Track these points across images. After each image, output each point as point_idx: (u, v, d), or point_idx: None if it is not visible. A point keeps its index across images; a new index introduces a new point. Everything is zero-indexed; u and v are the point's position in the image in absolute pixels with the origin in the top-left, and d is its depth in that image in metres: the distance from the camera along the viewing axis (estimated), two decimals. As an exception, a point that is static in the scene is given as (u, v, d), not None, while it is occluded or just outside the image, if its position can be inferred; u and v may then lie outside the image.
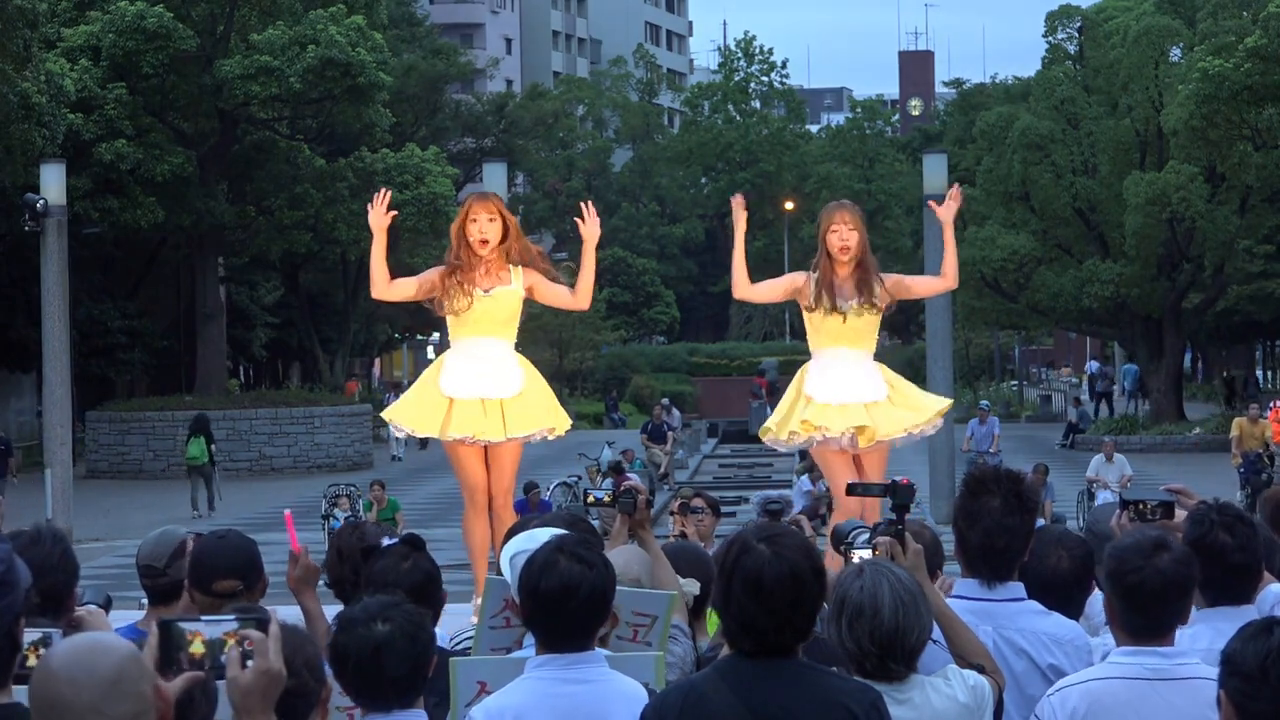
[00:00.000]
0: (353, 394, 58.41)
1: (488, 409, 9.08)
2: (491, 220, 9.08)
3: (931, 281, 10.30)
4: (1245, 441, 31.58)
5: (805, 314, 9.46)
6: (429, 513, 29.87)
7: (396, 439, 44.77)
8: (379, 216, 9.24)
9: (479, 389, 9.10)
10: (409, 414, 9.32)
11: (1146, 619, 4.86)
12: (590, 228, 9.21)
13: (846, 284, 9.32)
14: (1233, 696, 3.99)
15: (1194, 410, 54.31)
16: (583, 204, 9.37)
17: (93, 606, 5.35)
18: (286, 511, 6.11)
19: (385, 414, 9.70)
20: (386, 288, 9.29)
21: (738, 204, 9.61)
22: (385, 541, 5.75)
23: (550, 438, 9.32)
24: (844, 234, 9.25)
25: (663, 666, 5.12)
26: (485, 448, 9.20)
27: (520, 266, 9.21)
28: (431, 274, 9.28)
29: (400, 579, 5.48)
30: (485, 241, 9.09)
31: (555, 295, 9.43)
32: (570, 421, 9.49)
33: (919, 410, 9.45)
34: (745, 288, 9.57)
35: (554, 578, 4.81)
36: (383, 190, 9.43)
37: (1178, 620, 4.93)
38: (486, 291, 9.11)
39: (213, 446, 35.42)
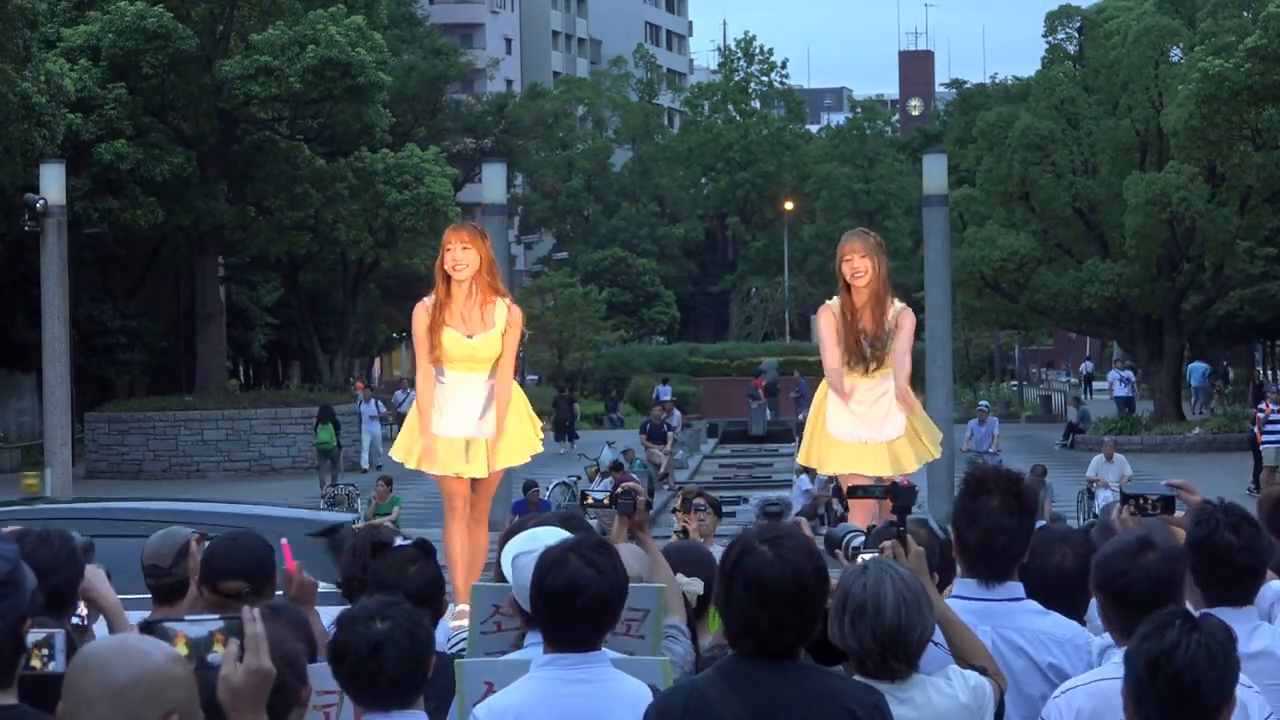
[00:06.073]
0: (366, 394, 58.36)
1: (471, 447, 9.12)
2: (465, 249, 9.05)
3: (902, 377, 9.65)
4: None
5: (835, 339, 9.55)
6: (425, 511, 29.81)
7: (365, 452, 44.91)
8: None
9: (463, 428, 9.14)
10: (402, 445, 9.40)
11: (1141, 619, 4.85)
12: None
13: (867, 322, 9.40)
14: (1128, 693, 4.02)
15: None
16: None
17: (93, 566, 5.40)
18: (284, 540, 6.16)
19: (393, 453, 9.68)
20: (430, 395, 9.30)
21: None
22: (398, 542, 5.79)
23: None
24: (855, 262, 9.37)
25: (670, 671, 5.11)
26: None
27: (507, 300, 9.18)
28: (423, 332, 9.26)
29: (405, 581, 5.51)
30: (460, 266, 9.08)
31: (502, 362, 9.26)
32: (541, 446, 9.50)
33: (927, 447, 9.65)
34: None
35: (561, 576, 4.83)
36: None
37: (1173, 617, 4.90)
38: (470, 338, 9.13)
39: (339, 432, 37.28)
